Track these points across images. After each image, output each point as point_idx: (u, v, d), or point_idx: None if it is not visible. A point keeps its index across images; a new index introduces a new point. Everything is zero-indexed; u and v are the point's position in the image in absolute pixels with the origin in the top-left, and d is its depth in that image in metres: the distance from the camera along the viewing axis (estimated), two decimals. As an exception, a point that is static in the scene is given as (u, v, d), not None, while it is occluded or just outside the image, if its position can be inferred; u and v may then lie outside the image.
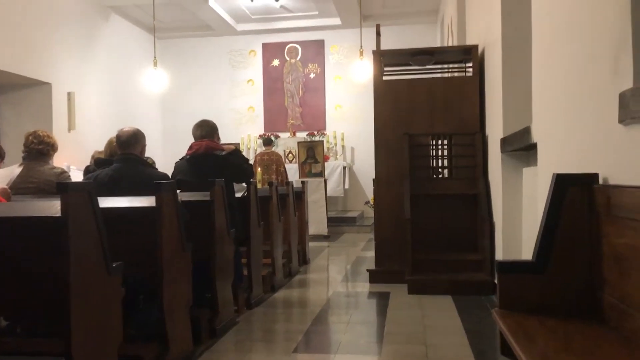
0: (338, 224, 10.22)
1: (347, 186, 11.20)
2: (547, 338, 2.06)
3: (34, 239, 2.47)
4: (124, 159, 3.85)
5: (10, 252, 2.49)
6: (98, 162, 4.22)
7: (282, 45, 12.25)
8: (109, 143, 4.42)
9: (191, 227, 3.53)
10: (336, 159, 11.55)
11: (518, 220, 4.42)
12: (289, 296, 5.25)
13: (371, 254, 6.57)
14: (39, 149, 4.35)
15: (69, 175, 4.47)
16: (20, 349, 3.12)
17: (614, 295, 2.12)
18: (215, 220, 3.86)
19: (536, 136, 3.48)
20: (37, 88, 8.05)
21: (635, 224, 1.89)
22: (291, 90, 12.25)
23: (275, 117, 12.24)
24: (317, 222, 9.20)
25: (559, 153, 3.02)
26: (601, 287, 2.23)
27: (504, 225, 4.60)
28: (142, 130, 4.02)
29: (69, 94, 8.55)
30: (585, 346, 1.97)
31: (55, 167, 4.43)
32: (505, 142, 4.43)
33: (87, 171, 4.43)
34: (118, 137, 3.94)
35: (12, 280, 2.50)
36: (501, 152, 4.56)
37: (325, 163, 10.03)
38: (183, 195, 3.73)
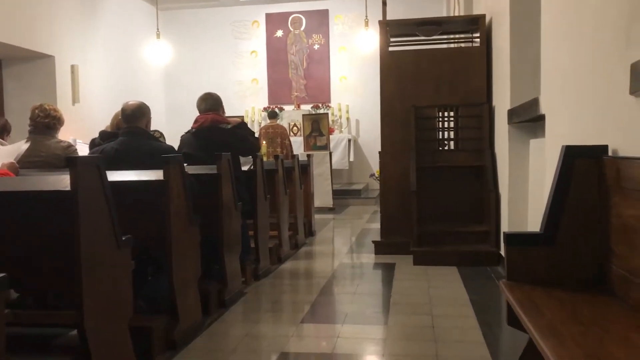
0: (343, 196, 10.25)
1: (352, 159, 11.19)
2: (554, 309, 2.07)
3: (44, 213, 2.48)
4: (129, 133, 3.84)
5: (21, 226, 2.51)
6: (103, 136, 4.22)
7: (286, 15, 12.10)
8: (115, 116, 4.41)
9: (199, 200, 3.54)
10: (341, 131, 11.51)
11: (524, 191, 4.42)
12: (295, 268, 5.30)
13: (376, 225, 6.60)
14: (46, 122, 4.33)
15: (76, 149, 4.47)
16: (32, 321, 3.18)
17: (621, 267, 2.13)
18: (223, 193, 3.87)
19: (544, 107, 3.45)
20: (41, 61, 7.99)
21: (645, 195, 1.89)
22: (295, 61, 12.13)
23: (279, 89, 12.15)
24: (322, 195, 9.22)
25: (568, 124, 3.00)
26: (609, 258, 2.24)
27: (509, 197, 4.60)
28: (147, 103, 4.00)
29: (72, 66, 8.49)
30: (592, 316, 1.98)
31: (61, 141, 4.41)
32: (512, 113, 4.40)
33: (92, 144, 4.42)
34: (123, 110, 3.93)
35: (23, 253, 2.53)
36: (508, 123, 4.53)
37: (330, 136, 10.00)
38: (190, 169, 3.73)
